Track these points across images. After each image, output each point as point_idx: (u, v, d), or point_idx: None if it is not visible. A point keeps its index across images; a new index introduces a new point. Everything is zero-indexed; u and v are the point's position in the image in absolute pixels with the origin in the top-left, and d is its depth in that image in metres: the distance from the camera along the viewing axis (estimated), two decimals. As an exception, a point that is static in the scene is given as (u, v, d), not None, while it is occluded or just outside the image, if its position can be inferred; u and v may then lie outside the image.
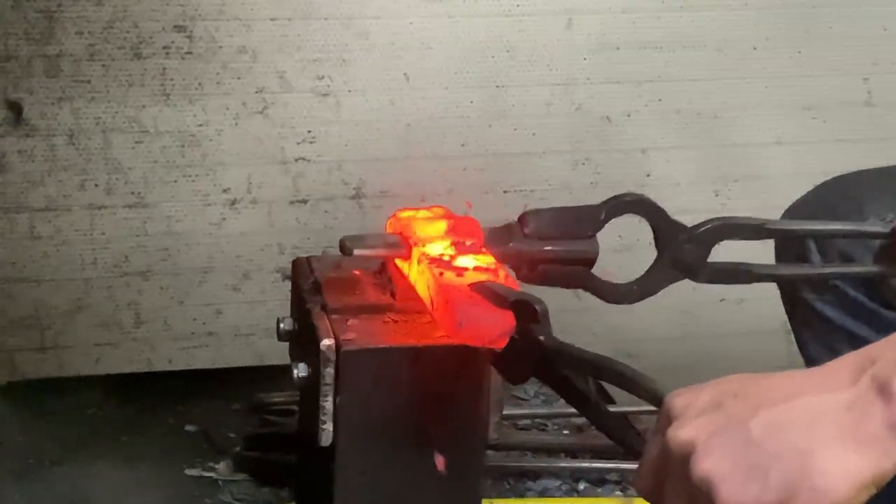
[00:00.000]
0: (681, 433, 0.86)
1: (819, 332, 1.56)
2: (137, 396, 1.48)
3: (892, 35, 2.22)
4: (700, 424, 0.85)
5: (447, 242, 1.24)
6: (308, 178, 2.05)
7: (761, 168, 2.23)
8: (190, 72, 1.95)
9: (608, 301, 1.27)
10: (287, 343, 1.27)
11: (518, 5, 2.04)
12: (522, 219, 1.25)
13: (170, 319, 2.05)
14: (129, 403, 1.47)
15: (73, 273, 2.00)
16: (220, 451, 1.38)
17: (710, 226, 1.26)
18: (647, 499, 0.90)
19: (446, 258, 1.21)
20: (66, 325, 2.01)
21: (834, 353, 1.35)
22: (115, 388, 1.50)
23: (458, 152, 2.10)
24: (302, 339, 1.22)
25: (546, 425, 1.45)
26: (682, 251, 1.26)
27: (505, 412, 1.36)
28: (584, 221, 1.24)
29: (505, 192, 2.13)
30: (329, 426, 1.15)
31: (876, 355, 0.85)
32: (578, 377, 1.02)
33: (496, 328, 1.11)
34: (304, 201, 2.06)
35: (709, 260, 1.27)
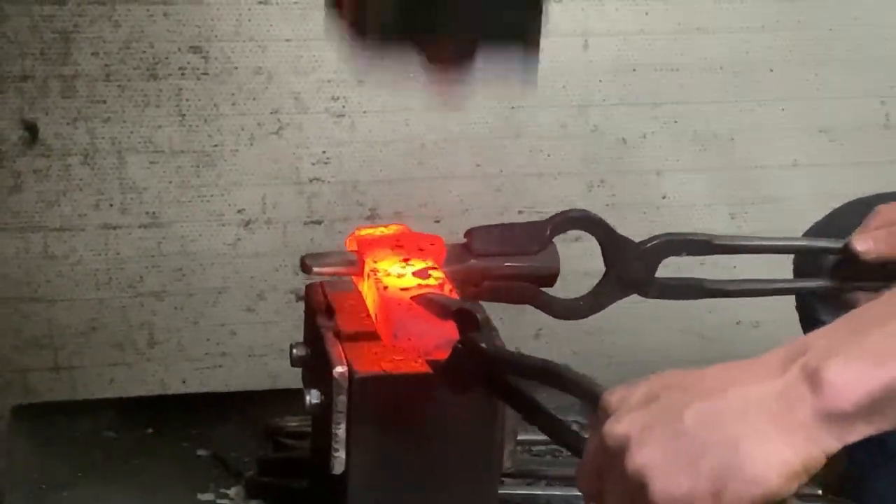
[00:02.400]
0: (616, 427, 0.86)
1: None
2: (151, 419, 1.47)
3: (910, 57, 2.22)
4: (634, 418, 0.86)
5: (399, 259, 1.23)
6: (323, 199, 2.05)
7: (778, 190, 2.22)
8: (205, 92, 1.96)
9: (555, 317, 1.27)
10: (300, 368, 1.27)
11: (534, 27, 2.04)
12: (468, 236, 1.25)
13: (184, 340, 2.05)
14: (142, 426, 1.46)
15: (88, 293, 2.00)
16: (233, 476, 1.37)
17: (656, 241, 1.27)
18: (588, 497, 0.90)
19: (394, 274, 1.21)
20: (80, 346, 2.01)
21: None
22: (129, 410, 1.50)
23: (472, 173, 2.10)
24: (315, 365, 1.22)
25: (560, 452, 1.44)
26: (631, 267, 1.26)
27: (518, 437, 1.35)
28: (530, 238, 1.25)
29: (520, 212, 2.12)
30: (342, 454, 1.14)
31: (807, 345, 0.85)
32: (523, 383, 1.02)
33: (433, 338, 1.11)
34: (319, 222, 2.06)
35: (657, 276, 1.27)
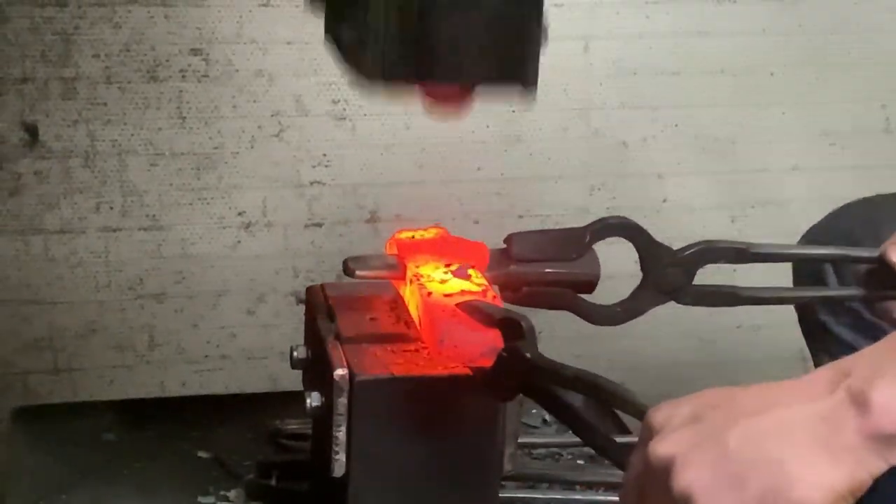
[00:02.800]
0: (661, 447, 0.86)
1: (835, 354, 1.55)
2: (152, 421, 1.47)
3: (911, 61, 2.22)
4: (679, 438, 0.86)
5: (441, 264, 1.23)
6: (323, 202, 2.05)
7: (778, 194, 2.22)
8: (206, 95, 1.96)
9: (593, 323, 1.28)
10: (300, 370, 1.27)
11: (535, 30, 2.04)
12: (508, 241, 1.26)
13: (184, 342, 2.05)
14: (143, 428, 1.46)
15: (88, 295, 2.00)
16: (233, 478, 1.37)
17: (694, 249, 1.27)
18: None
19: (437, 279, 1.21)
20: (80, 348, 2.01)
21: None
22: (130, 412, 1.50)
23: (473, 176, 2.10)
24: (315, 367, 1.22)
25: (561, 454, 1.44)
26: (667, 274, 1.26)
27: (519, 440, 1.35)
28: (569, 244, 1.25)
29: (520, 216, 2.12)
30: (342, 456, 1.14)
31: (851, 367, 0.85)
32: (565, 393, 1.02)
33: (478, 346, 1.11)
34: (320, 225, 2.06)
35: (699, 283, 1.27)
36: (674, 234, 2.28)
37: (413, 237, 1.29)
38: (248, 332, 2.08)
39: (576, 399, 1.03)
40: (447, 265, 1.23)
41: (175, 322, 2.04)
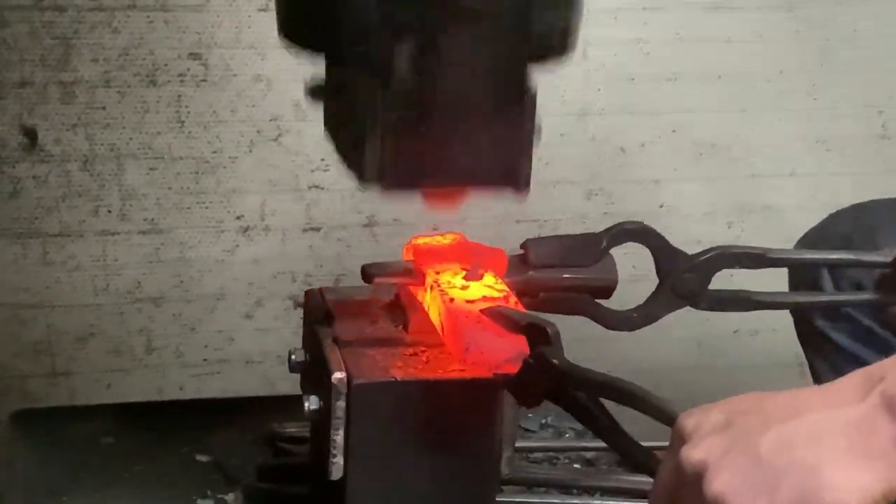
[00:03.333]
0: (693, 453, 0.87)
1: (832, 361, 1.56)
2: (150, 425, 1.48)
3: (908, 67, 2.22)
4: (711, 444, 0.86)
5: (461, 270, 1.24)
6: (321, 206, 2.05)
7: (775, 200, 2.23)
8: (205, 99, 1.96)
9: (610, 328, 1.29)
10: (298, 374, 1.27)
11: (533, 35, 2.04)
12: (525, 247, 1.26)
13: (181, 346, 2.05)
14: (141, 432, 1.46)
15: (86, 299, 2.00)
16: (231, 482, 1.37)
17: (710, 254, 1.28)
18: None
19: (458, 285, 1.21)
20: (78, 352, 2.01)
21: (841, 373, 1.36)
22: (128, 416, 1.50)
23: (471, 181, 2.10)
24: (313, 371, 1.22)
25: (558, 458, 1.44)
26: (683, 279, 1.27)
27: (516, 444, 1.35)
28: (585, 249, 1.26)
29: (518, 221, 2.13)
30: (340, 460, 1.14)
31: (884, 372, 0.86)
32: (591, 399, 1.03)
33: (504, 352, 1.12)
34: (318, 229, 2.07)
35: (710, 287, 1.28)
36: (671, 239, 2.28)
37: (430, 243, 1.29)
38: (246, 336, 2.08)
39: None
40: (466, 271, 1.23)
41: (173, 326, 2.04)
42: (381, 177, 1.07)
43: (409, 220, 2.09)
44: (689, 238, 2.21)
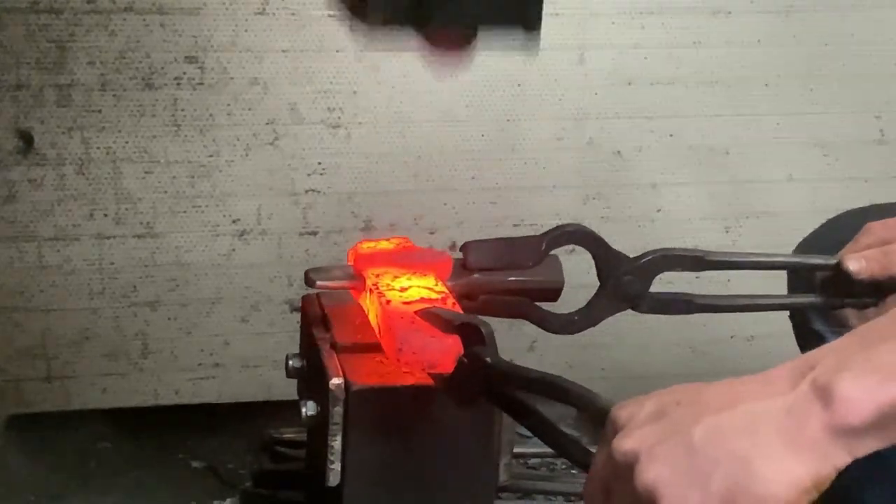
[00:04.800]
0: (624, 443, 0.86)
1: None
2: (145, 430, 1.47)
3: (905, 73, 2.22)
4: (643, 434, 0.86)
5: (402, 273, 1.23)
6: (318, 210, 2.05)
7: (772, 205, 2.22)
8: (201, 103, 1.95)
9: (549, 331, 1.28)
10: (295, 379, 1.27)
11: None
12: (464, 249, 1.26)
13: (177, 350, 2.05)
14: (137, 437, 1.46)
15: (81, 302, 1.99)
16: (227, 487, 1.37)
17: (651, 257, 1.28)
18: None
19: (396, 288, 1.21)
20: (74, 355, 2.01)
21: None
22: (124, 421, 1.49)
23: (467, 185, 2.10)
24: (311, 376, 1.21)
25: (555, 464, 1.44)
26: (624, 282, 1.27)
27: (514, 450, 1.35)
28: (525, 252, 1.26)
29: (515, 225, 2.12)
30: (337, 466, 1.14)
31: (816, 360, 0.85)
32: (528, 397, 1.03)
33: (437, 352, 1.11)
34: (314, 233, 2.06)
35: (652, 290, 1.28)
36: (668, 243, 2.27)
37: (375, 247, 1.29)
38: (243, 340, 2.07)
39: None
40: (407, 275, 1.23)
41: (169, 330, 2.04)
42: (386, 18, 1.04)
43: (406, 224, 2.09)
44: (686, 242, 2.21)
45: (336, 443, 1.13)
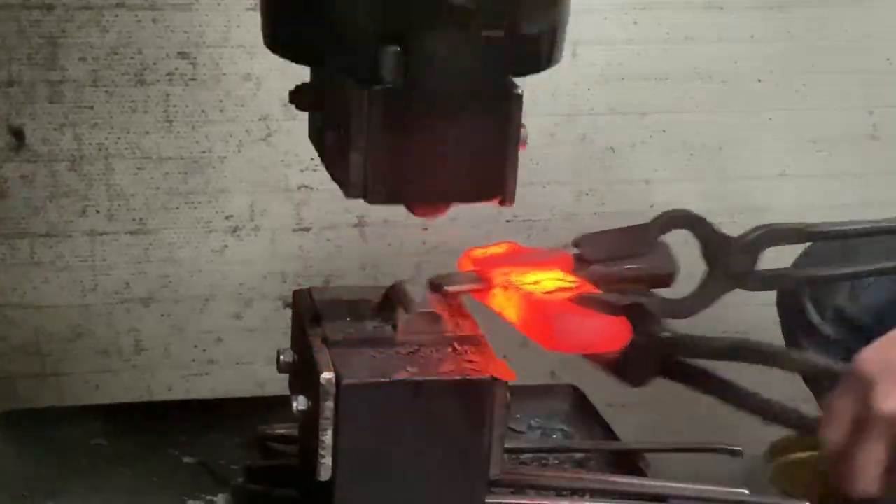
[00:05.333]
0: (891, 402, 0.89)
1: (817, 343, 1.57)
2: (138, 426, 1.47)
3: (898, 68, 2.22)
4: None
5: (528, 270, 1.23)
6: (311, 206, 2.05)
7: (765, 200, 2.22)
8: (193, 98, 1.95)
9: (667, 316, 1.29)
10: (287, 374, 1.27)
11: (523, 35, 2.04)
12: (579, 243, 1.27)
13: (170, 347, 2.05)
14: (130, 433, 1.45)
15: (74, 299, 1.99)
16: (220, 483, 1.37)
17: (756, 234, 1.29)
18: (834, 462, 0.95)
19: (529, 282, 1.22)
20: (66, 352, 2.01)
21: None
22: (117, 417, 1.49)
23: (461, 181, 2.10)
24: (302, 371, 1.21)
25: (547, 459, 1.44)
26: (731, 261, 1.28)
27: (506, 445, 1.35)
28: (637, 240, 1.27)
29: (508, 221, 2.12)
30: (328, 460, 1.14)
31: None
32: (713, 367, 1.04)
33: (601, 334, 1.12)
34: (307, 229, 2.06)
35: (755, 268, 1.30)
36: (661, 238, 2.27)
37: (488, 252, 1.29)
38: (236, 336, 2.07)
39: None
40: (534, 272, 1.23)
41: (161, 326, 2.03)
42: (365, 192, 1.08)
43: (399, 220, 2.09)
44: (679, 238, 2.21)
45: (327, 437, 1.13)
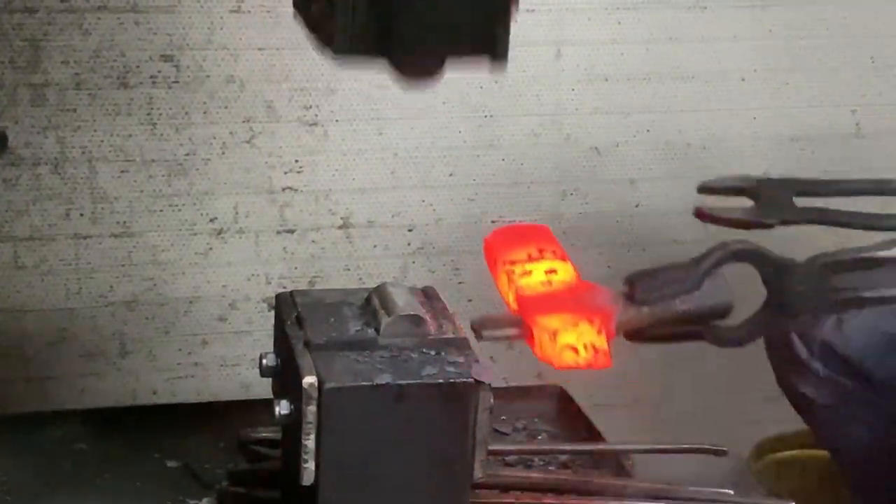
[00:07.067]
0: None
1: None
2: (123, 430, 1.47)
3: (880, 66, 2.23)
4: None
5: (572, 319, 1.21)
6: (295, 208, 2.04)
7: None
8: (177, 101, 1.95)
9: (724, 346, 1.26)
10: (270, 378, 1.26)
11: (506, 36, 2.04)
12: (629, 283, 1.23)
13: (155, 350, 2.04)
14: (114, 437, 1.45)
15: (58, 303, 1.98)
16: (204, 487, 1.36)
17: (820, 262, 1.25)
18: None
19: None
20: (51, 356, 2.00)
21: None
22: (100, 421, 1.49)
23: (446, 182, 2.10)
24: (285, 375, 1.21)
25: (532, 461, 1.44)
26: (795, 290, 1.24)
27: (490, 447, 1.35)
28: (690, 275, 1.23)
29: (493, 222, 2.12)
30: (311, 465, 1.13)
31: None
32: None
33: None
34: (292, 231, 2.06)
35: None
36: (646, 239, 2.29)
37: (534, 288, 1.23)
38: (220, 339, 2.07)
39: None
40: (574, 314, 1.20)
41: (146, 329, 2.03)
42: (352, 47, 1.03)
43: (384, 221, 2.09)
44: (665, 237, 2.22)
45: (310, 442, 1.13)
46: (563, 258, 1.25)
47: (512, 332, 1.21)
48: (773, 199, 1.32)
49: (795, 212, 1.32)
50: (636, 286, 1.23)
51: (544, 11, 2.05)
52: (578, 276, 1.26)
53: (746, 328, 1.25)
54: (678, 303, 1.23)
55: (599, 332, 1.18)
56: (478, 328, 1.21)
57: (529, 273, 1.23)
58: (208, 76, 1.95)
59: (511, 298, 1.22)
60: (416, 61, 1.07)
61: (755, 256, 1.25)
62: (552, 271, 1.24)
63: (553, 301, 1.21)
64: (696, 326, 1.25)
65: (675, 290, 1.22)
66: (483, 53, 1.06)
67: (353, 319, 1.23)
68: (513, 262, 1.23)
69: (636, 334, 1.24)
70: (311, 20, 1.11)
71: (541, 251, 1.25)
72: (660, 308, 1.23)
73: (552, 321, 1.18)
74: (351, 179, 2.05)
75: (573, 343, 1.17)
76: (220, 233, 2.03)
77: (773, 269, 1.24)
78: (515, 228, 1.30)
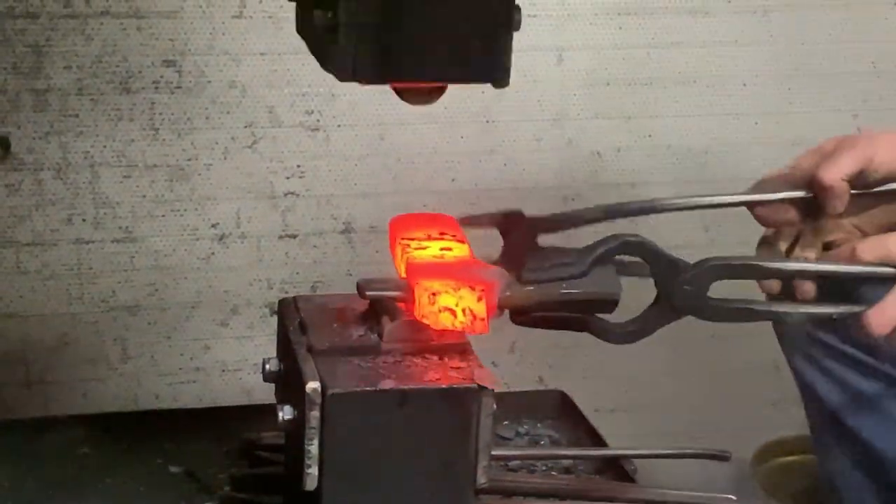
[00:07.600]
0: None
1: (816, 359, 1.57)
2: (125, 435, 1.47)
3: (881, 71, 2.23)
4: None
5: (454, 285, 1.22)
6: (297, 213, 2.05)
7: (751, 204, 2.22)
8: (179, 106, 1.95)
9: (609, 341, 1.26)
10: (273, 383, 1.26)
11: (508, 41, 2.04)
12: (520, 261, 1.24)
13: (157, 355, 2.04)
14: (116, 442, 1.45)
15: (60, 308, 1.98)
16: (206, 492, 1.36)
17: (707, 266, 1.26)
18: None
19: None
20: (53, 361, 2.00)
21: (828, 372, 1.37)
22: (102, 426, 1.49)
23: (447, 187, 2.10)
24: (288, 380, 1.21)
25: (535, 466, 1.44)
26: (681, 291, 1.25)
27: (493, 452, 1.35)
28: (578, 262, 1.23)
29: (495, 227, 2.12)
30: (314, 470, 1.13)
31: None
32: None
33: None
34: (293, 236, 2.06)
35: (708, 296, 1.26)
36: (649, 243, 2.27)
37: (425, 257, 1.26)
38: (222, 344, 2.07)
39: None
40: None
41: (148, 334, 2.03)
42: (354, 72, 1.04)
43: (386, 227, 2.08)
44: (667, 242, 2.20)
45: (313, 447, 1.13)
46: (462, 241, 1.27)
47: (396, 294, 1.22)
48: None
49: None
50: (523, 264, 1.23)
51: (546, 16, 2.06)
52: (473, 255, 1.28)
53: (634, 325, 1.25)
54: (563, 286, 1.23)
55: (480, 299, 1.18)
56: (363, 287, 1.22)
57: (424, 249, 1.24)
58: (210, 81, 1.95)
59: (402, 268, 1.24)
60: (418, 89, 1.09)
61: (646, 250, 1.25)
62: (447, 249, 1.25)
63: (439, 268, 1.23)
64: (581, 314, 1.24)
65: (561, 273, 1.23)
66: (484, 81, 1.08)
67: (356, 325, 1.24)
68: (411, 240, 1.25)
69: (521, 314, 1.24)
70: (314, 46, 1.12)
71: (441, 234, 1.29)
72: (545, 290, 1.23)
73: (434, 284, 1.19)
74: (353, 184, 2.06)
75: (451, 306, 1.18)
76: (221, 238, 2.03)
77: (663, 267, 1.25)
78: (422, 215, 1.33)
